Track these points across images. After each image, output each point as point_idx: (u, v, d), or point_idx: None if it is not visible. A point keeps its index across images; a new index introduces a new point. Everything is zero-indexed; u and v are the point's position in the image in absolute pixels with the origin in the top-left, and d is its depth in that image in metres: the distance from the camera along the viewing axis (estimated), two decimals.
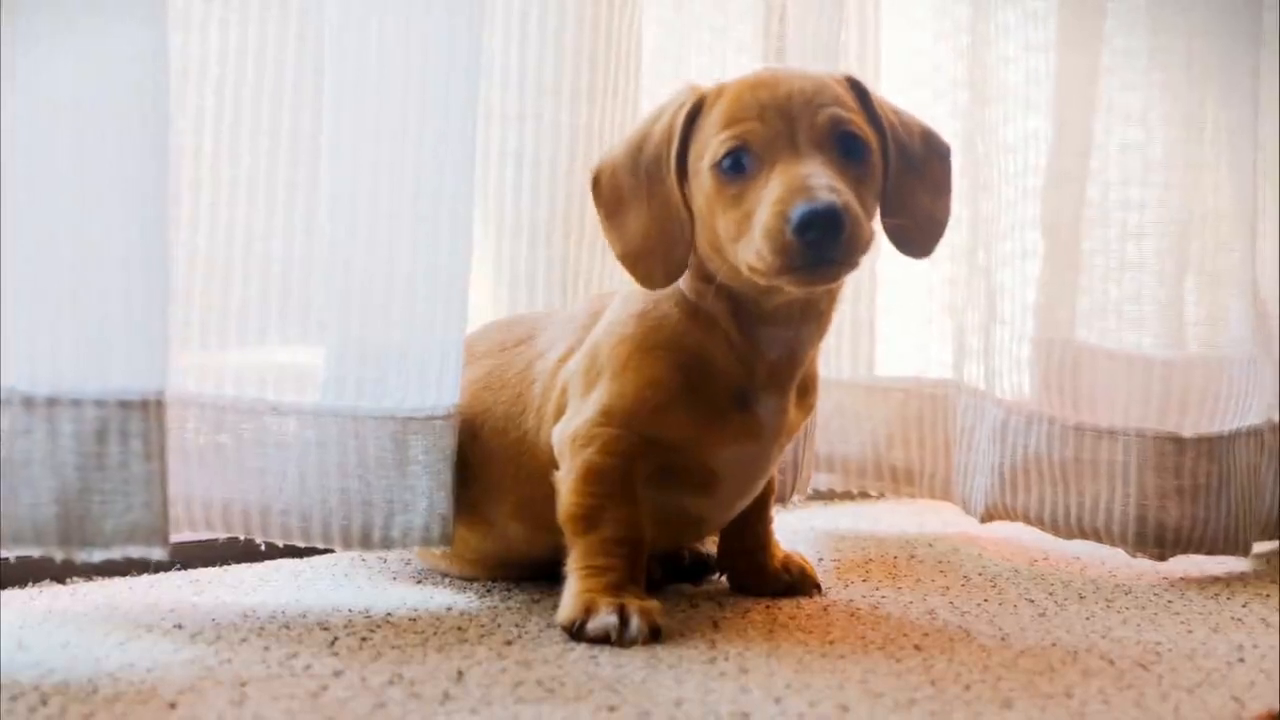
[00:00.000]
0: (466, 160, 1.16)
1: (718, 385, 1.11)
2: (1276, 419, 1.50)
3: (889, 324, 1.67)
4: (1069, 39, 1.47)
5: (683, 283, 1.12)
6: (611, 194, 1.12)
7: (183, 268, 1.15)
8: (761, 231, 1.01)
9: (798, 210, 0.99)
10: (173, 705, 0.88)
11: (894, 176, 1.11)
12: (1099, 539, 1.43)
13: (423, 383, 1.16)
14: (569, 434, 1.12)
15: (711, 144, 1.06)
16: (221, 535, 1.17)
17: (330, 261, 1.15)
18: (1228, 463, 1.42)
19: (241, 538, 1.16)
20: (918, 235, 1.13)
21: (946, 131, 1.56)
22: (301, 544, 1.17)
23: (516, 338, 1.24)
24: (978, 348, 1.52)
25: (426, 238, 1.15)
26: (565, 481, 1.12)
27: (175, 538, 1.26)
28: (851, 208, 1.01)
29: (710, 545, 1.31)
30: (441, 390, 1.16)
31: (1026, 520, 1.46)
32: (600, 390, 1.12)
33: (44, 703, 0.87)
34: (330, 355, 1.16)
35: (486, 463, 1.19)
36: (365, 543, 1.16)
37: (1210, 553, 1.41)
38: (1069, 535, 1.44)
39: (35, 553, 0.99)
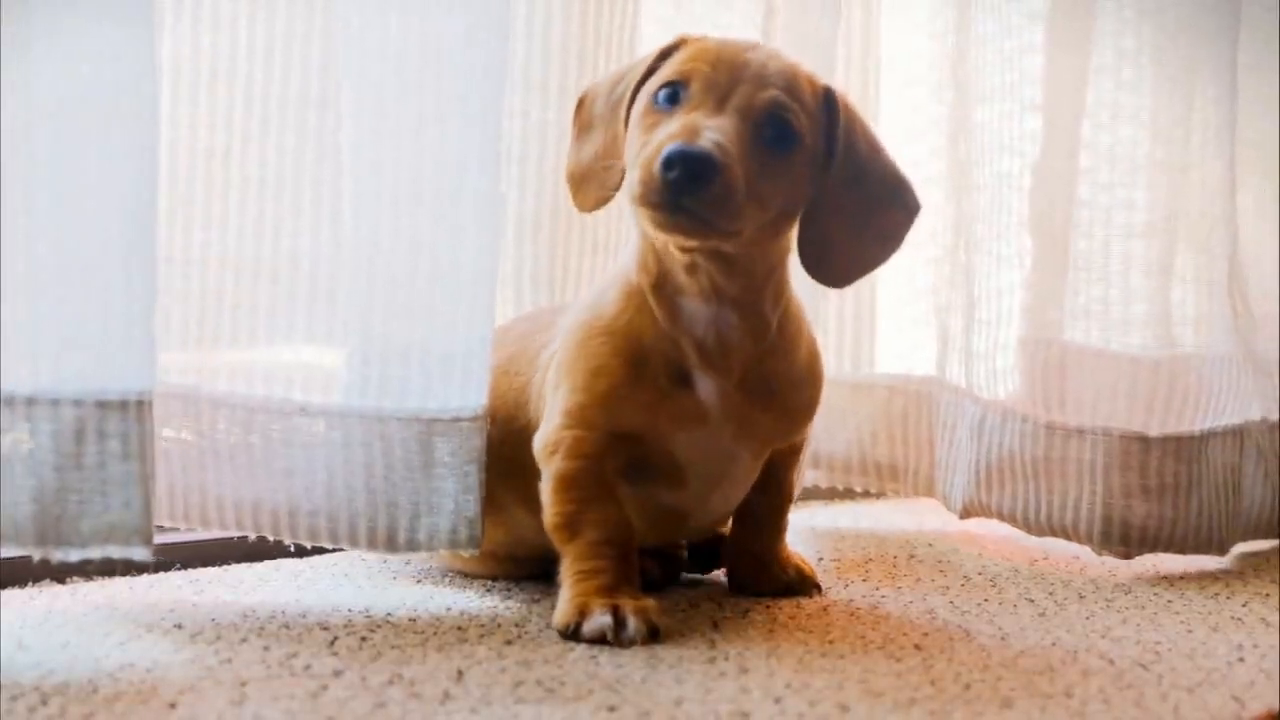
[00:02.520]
0: (491, 157, 1.16)
1: (654, 363, 1.11)
2: (1273, 419, 1.50)
3: (880, 322, 1.66)
4: (1057, 39, 1.47)
5: (633, 258, 1.13)
6: (586, 116, 1.16)
7: (214, 267, 1.16)
8: (640, 159, 1.03)
9: (670, 146, 1.00)
10: (173, 705, 0.88)
11: (831, 196, 1.10)
12: (1067, 537, 1.43)
13: (447, 383, 1.15)
14: (542, 442, 1.13)
15: (659, 75, 1.09)
16: (252, 535, 1.17)
17: (355, 259, 1.15)
18: (1198, 462, 1.42)
19: (270, 538, 1.17)
20: (835, 263, 1.13)
21: (942, 131, 1.57)
22: (329, 545, 1.17)
23: (538, 326, 1.24)
24: (959, 345, 1.52)
25: (450, 236, 1.15)
26: (545, 491, 1.12)
27: (182, 537, 1.27)
28: (731, 169, 1.01)
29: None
30: (467, 391, 1.16)
31: (1001, 517, 1.47)
32: (560, 391, 1.13)
33: (44, 703, 0.87)
34: (354, 355, 1.16)
35: (500, 446, 1.19)
36: (391, 545, 1.16)
37: (1181, 552, 1.42)
38: (1040, 533, 1.45)
39: (12, 551, 1.00)
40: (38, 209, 0.98)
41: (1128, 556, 1.42)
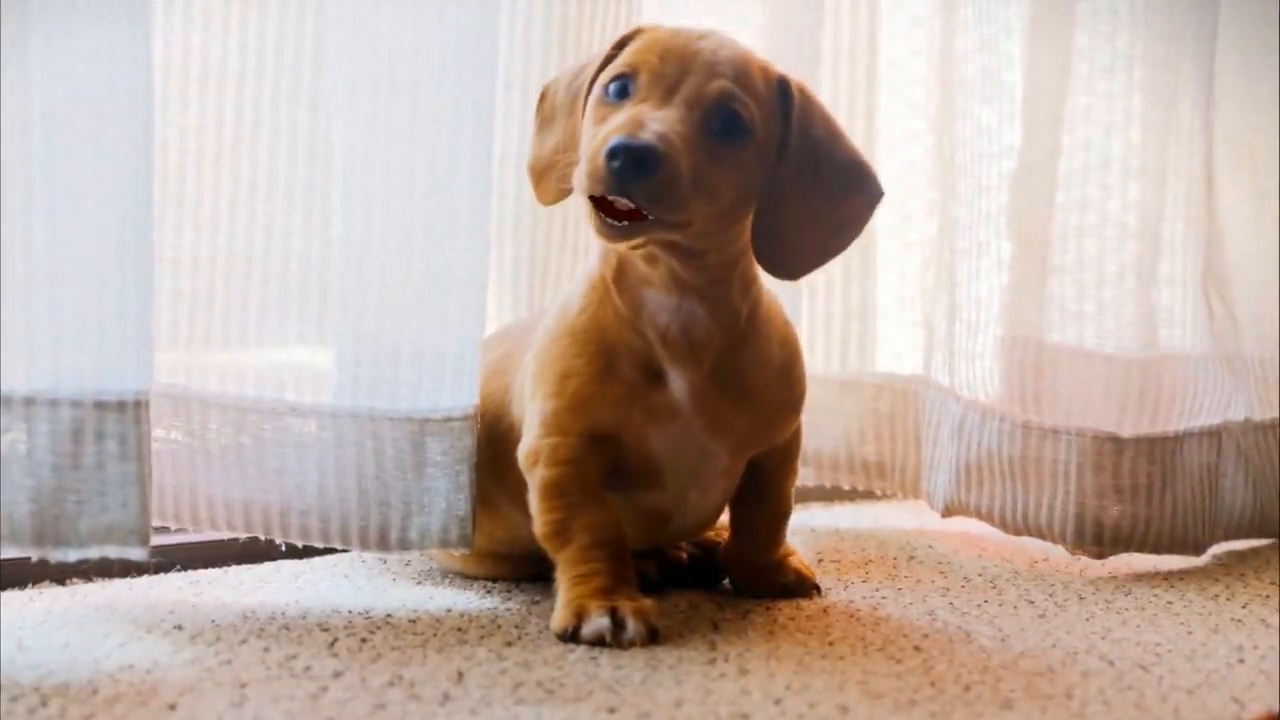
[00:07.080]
0: (483, 158, 1.16)
1: (622, 359, 1.11)
2: (1256, 419, 1.50)
3: (876, 322, 1.66)
4: (1039, 45, 1.47)
5: (598, 253, 1.13)
6: (548, 109, 1.16)
7: (205, 268, 1.16)
8: (588, 152, 1.03)
9: (614, 139, 1.00)
10: (173, 706, 0.88)
11: (785, 185, 1.09)
12: (1042, 536, 1.43)
13: (438, 383, 1.16)
14: (524, 453, 1.13)
15: (610, 68, 1.09)
16: (243, 535, 1.18)
17: (346, 260, 1.15)
18: (1172, 463, 1.42)
19: (261, 537, 1.17)
20: (789, 253, 1.11)
21: (936, 131, 1.57)
22: (321, 544, 1.17)
23: (526, 328, 1.24)
24: (944, 345, 1.52)
25: (441, 236, 1.15)
26: (532, 502, 1.12)
27: (182, 539, 1.27)
28: (675, 160, 1.00)
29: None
30: (458, 391, 1.16)
31: (979, 516, 1.47)
32: (536, 398, 1.13)
33: (44, 704, 0.87)
34: (346, 355, 1.16)
35: (491, 446, 1.19)
36: (383, 544, 1.16)
37: (1155, 552, 1.42)
38: (1016, 532, 1.45)
39: (10, 552, 1.00)
40: (35, 209, 0.98)
41: (1101, 556, 1.42)
